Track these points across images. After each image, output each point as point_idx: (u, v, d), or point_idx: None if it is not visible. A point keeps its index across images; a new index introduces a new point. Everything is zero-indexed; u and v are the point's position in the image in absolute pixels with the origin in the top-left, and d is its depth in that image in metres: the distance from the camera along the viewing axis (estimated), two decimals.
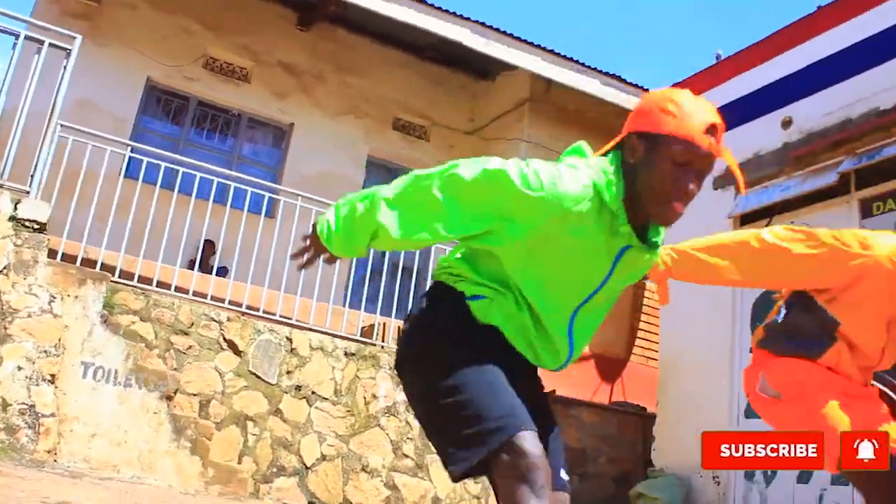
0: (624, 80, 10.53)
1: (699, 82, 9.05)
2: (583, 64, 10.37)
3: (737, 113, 8.35)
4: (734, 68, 8.79)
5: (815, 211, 7.57)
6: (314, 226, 2.27)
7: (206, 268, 8.83)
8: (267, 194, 8.58)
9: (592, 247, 2.13)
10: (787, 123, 7.99)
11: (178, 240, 7.38)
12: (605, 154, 2.19)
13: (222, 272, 8.46)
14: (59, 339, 5.68)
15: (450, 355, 2.14)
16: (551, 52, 10.22)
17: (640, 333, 11.11)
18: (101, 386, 5.80)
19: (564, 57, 10.31)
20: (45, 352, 5.58)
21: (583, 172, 2.10)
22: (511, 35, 10.07)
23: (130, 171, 7.44)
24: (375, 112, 11.42)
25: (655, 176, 2.08)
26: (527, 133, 10.75)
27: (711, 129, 2.07)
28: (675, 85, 9.34)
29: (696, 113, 2.08)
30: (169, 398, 6.05)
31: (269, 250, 7.51)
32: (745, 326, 8.03)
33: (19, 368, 5.45)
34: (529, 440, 1.99)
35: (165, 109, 10.32)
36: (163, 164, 7.44)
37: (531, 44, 10.16)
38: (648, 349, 10.90)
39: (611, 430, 9.17)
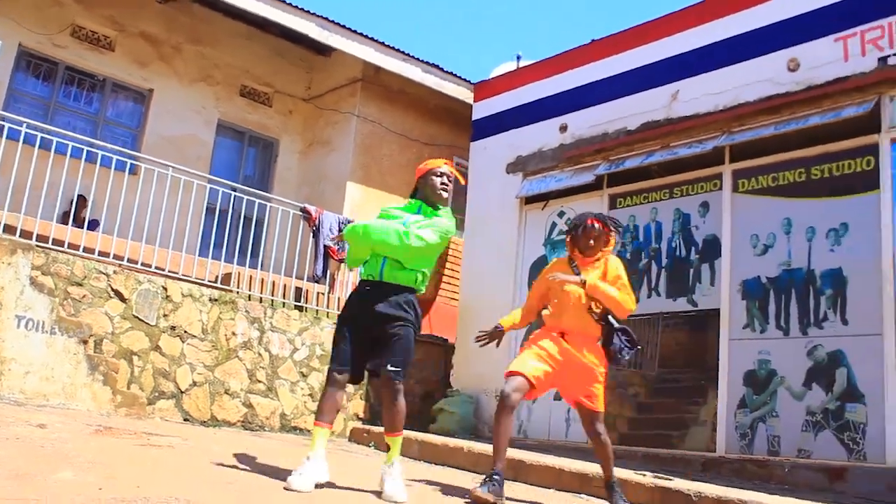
0: (441, 69, 11.94)
1: (499, 84, 10.67)
2: (407, 54, 11.66)
3: (527, 115, 10.04)
4: (529, 76, 10.27)
5: (578, 200, 9.10)
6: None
7: (79, 220, 9.47)
8: (129, 161, 9.52)
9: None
10: (563, 128, 9.58)
11: (55, 196, 8.26)
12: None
13: (93, 225, 9.15)
14: None
15: None
16: (381, 43, 11.42)
17: (445, 278, 12.35)
18: (32, 334, 7.10)
19: (391, 47, 11.52)
20: None
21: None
22: (348, 28, 11.17)
23: (11, 134, 7.93)
24: (225, 79, 12.20)
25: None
26: (358, 108, 11.92)
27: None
28: (482, 83, 11.11)
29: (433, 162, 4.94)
30: (84, 342, 7.44)
31: (133, 205, 8.52)
32: (524, 278, 9.47)
33: None
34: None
35: (36, 73, 10.80)
36: (39, 135, 8.11)
37: (365, 35, 11.31)
38: (451, 291, 12.13)
39: (419, 357, 9.95)
